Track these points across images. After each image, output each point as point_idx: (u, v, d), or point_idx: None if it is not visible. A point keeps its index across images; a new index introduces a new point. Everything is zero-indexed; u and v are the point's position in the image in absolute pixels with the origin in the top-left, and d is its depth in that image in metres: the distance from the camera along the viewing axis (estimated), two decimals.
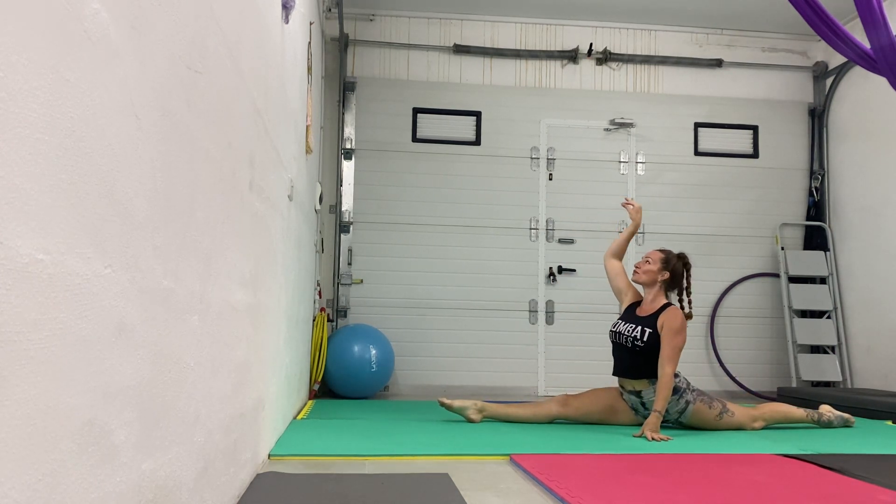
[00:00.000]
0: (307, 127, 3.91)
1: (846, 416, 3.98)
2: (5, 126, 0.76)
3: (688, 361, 5.92)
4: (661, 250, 3.99)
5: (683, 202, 6.11)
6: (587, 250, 5.96)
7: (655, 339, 3.70)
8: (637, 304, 3.99)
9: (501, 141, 6.00)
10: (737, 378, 5.97)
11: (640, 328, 3.78)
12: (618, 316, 4.03)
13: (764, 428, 3.84)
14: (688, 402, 3.72)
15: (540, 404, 3.94)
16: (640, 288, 4.04)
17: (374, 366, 5.09)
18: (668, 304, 3.85)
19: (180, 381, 1.42)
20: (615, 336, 3.91)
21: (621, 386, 3.89)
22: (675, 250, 4.09)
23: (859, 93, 5.91)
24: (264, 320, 2.54)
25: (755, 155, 6.24)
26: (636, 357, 3.76)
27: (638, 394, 3.78)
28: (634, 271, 3.96)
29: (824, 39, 3.93)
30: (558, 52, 6.13)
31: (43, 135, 0.84)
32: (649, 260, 3.93)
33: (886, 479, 2.46)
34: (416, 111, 5.97)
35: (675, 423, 3.77)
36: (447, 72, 6.05)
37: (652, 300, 3.90)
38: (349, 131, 5.88)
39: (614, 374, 3.94)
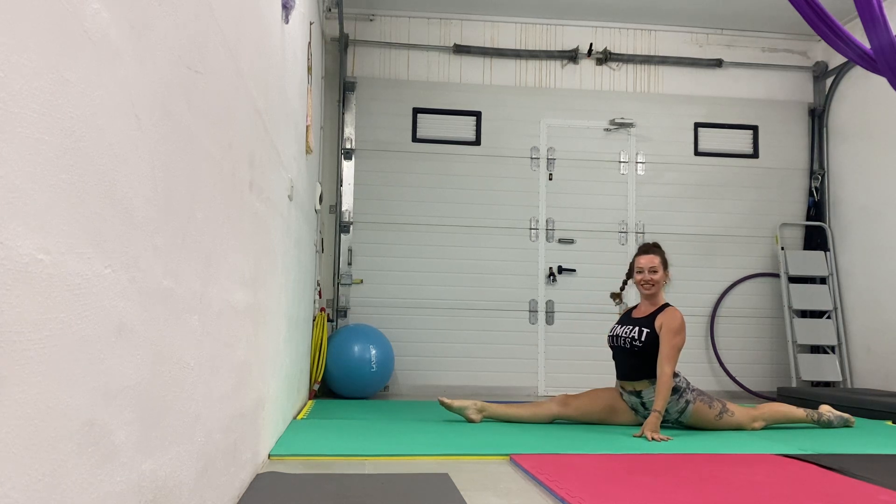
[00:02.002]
0: (307, 127, 3.91)
1: (846, 416, 3.98)
2: (5, 126, 0.76)
3: (688, 361, 5.92)
4: (654, 253, 3.84)
5: (683, 202, 6.11)
6: (587, 250, 5.96)
7: (654, 338, 3.70)
8: (629, 311, 4.01)
9: (501, 141, 6.00)
10: (737, 378, 5.97)
11: (637, 329, 3.78)
12: (615, 322, 4.04)
13: (764, 428, 3.84)
14: (688, 402, 3.72)
15: (540, 404, 3.95)
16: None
17: (374, 366, 5.09)
18: (667, 305, 3.83)
19: (180, 381, 1.42)
20: (613, 340, 3.91)
21: (621, 387, 3.89)
22: (649, 243, 4.03)
23: (859, 93, 5.91)
24: (264, 320, 2.54)
25: (755, 155, 6.24)
26: (635, 358, 3.76)
27: (638, 394, 3.78)
28: (646, 285, 3.80)
29: (824, 39, 3.93)
30: (558, 52, 6.13)
31: (43, 135, 0.84)
32: (654, 268, 3.79)
33: (887, 479, 2.46)
34: (416, 111, 5.97)
35: (675, 422, 3.78)
36: (447, 72, 6.05)
37: (651, 302, 3.87)
38: (349, 131, 5.88)
39: (617, 378, 3.94)
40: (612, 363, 3.96)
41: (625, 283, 4.07)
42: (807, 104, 6.32)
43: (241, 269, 2.05)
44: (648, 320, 3.78)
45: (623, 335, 3.83)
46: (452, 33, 6.08)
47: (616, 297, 4.12)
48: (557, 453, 2.90)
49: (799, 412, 3.95)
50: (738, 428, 3.77)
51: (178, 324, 1.40)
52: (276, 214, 2.78)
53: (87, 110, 0.96)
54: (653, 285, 3.79)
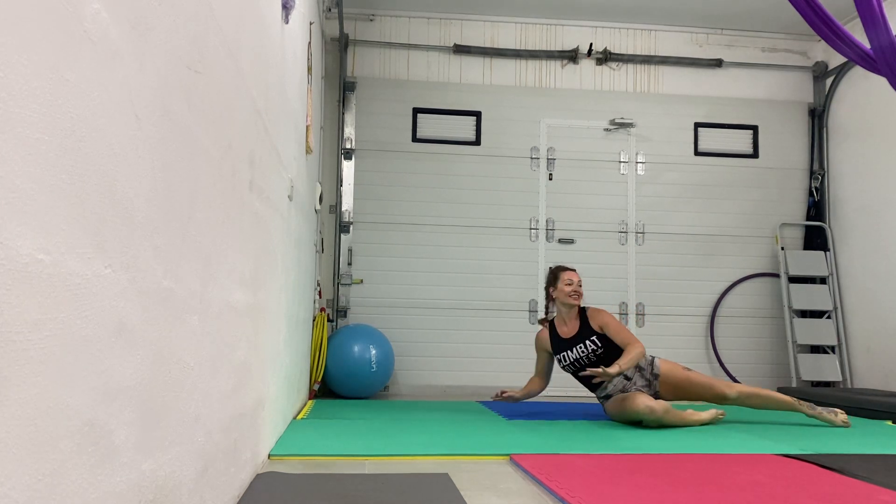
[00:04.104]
0: (307, 127, 3.91)
1: (837, 410, 3.95)
2: (5, 126, 0.76)
3: (688, 362, 5.92)
4: (573, 269, 4.16)
5: (683, 202, 6.11)
6: (587, 250, 5.96)
7: (604, 338, 3.95)
8: (554, 334, 4.11)
9: (501, 141, 6.00)
10: (737, 378, 5.97)
11: (585, 342, 3.99)
12: (556, 358, 4.14)
13: (739, 397, 3.94)
14: (654, 357, 4.01)
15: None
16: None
17: (374, 366, 5.09)
18: (584, 309, 4.08)
19: (180, 381, 1.42)
20: (575, 365, 4.03)
21: (603, 388, 3.98)
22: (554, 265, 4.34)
23: (859, 93, 5.91)
24: (264, 320, 2.54)
25: (755, 155, 6.24)
26: (602, 362, 3.94)
27: (648, 377, 3.95)
28: (574, 296, 4.05)
29: (824, 39, 3.93)
30: (558, 52, 6.13)
31: (43, 135, 0.84)
32: (580, 282, 4.11)
33: (886, 479, 2.46)
34: (416, 111, 5.97)
35: (650, 373, 3.93)
36: (447, 72, 6.05)
37: (572, 315, 4.07)
38: (349, 131, 5.88)
39: (596, 393, 4.08)
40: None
41: (547, 308, 4.23)
42: (807, 104, 6.32)
43: (240, 269, 2.05)
44: (586, 330, 4.01)
45: (581, 356, 4.00)
46: (452, 33, 6.08)
47: (545, 322, 4.26)
48: (557, 453, 2.90)
49: (786, 398, 3.98)
50: (712, 388, 3.92)
51: (178, 324, 1.40)
52: (276, 214, 2.78)
53: (87, 110, 0.96)
54: (580, 296, 4.07)
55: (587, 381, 4.03)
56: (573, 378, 4.14)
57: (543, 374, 4.23)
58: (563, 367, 4.10)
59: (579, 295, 4.06)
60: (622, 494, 2.19)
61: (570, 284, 4.05)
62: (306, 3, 3.82)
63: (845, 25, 4.35)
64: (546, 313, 4.26)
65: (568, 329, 4.06)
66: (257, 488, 2.17)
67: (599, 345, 3.96)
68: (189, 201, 1.46)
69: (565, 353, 4.03)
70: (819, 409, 3.92)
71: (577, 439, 3.31)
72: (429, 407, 4.61)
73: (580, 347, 3.99)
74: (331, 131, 5.81)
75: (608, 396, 3.97)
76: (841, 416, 3.92)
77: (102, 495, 1.03)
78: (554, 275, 4.14)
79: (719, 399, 3.96)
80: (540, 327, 4.33)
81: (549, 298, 4.17)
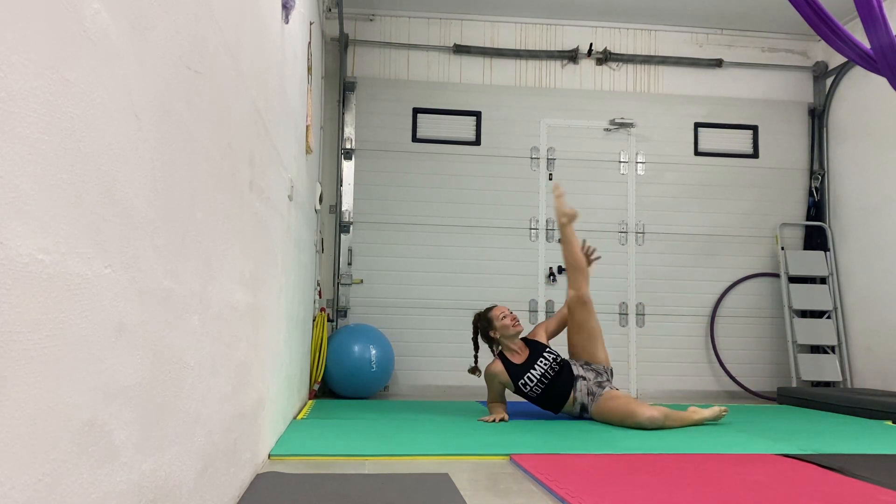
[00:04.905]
0: (307, 127, 3.91)
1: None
2: (5, 126, 0.76)
3: (688, 361, 5.95)
4: (494, 305, 4.24)
5: (683, 202, 6.11)
6: None
7: (555, 354, 4.08)
8: (510, 365, 4.06)
9: (501, 141, 6.00)
10: (737, 378, 5.97)
11: (544, 355, 4.04)
12: (517, 386, 4.05)
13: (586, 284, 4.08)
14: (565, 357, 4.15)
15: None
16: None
17: (374, 366, 5.09)
18: (525, 336, 4.18)
19: (180, 381, 1.42)
20: (542, 383, 3.98)
21: (573, 399, 3.99)
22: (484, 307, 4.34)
23: (859, 93, 5.91)
24: (264, 320, 2.54)
25: (755, 155, 6.24)
26: (565, 371, 4.00)
27: (590, 367, 4.04)
28: (515, 322, 4.07)
29: (824, 39, 3.93)
30: (558, 52, 6.13)
31: (43, 135, 0.84)
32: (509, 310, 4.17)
33: (886, 479, 2.46)
34: (416, 111, 5.97)
35: (587, 363, 4.05)
36: (447, 72, 6.05)
37: (519, 344, 4.12)
38: (349, 131, 5.88)
39: (560, 408, 4.05)
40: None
41: (476, 356, 4.21)
42: (807, 104, 6.32)
43: (241, 269, 2.05)
44: (538, 346, 4.09)
45: (544, 370, 3.99)
46: (452, 33, 6.08)
47: (476, 370, 4.22)
48: (557, 453, 2.90)
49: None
50: (576, 297, 4.04)
51: (178, 324, 1.40)
52: (276, 214, 2.78)
53: (88, 110, 0.96)
54: (518, 320, 4.10)
55: (553, 403, 4.02)
56: (534, 404, 4.11)
57: (503, 399, 4.12)
58: (529, 392, 4.00)
59: (517, 319, 4.10)
60: (622, 494, 2.19)
61: (505, 316, 4.07)
62: (306, 3, 3.82)
63: (845, 25, 4.35)
64: (475, 362, 4.20)
65: (521, 355, 4.07)
66: (257, 488, 2.17)
67: (555, 354, 4.07)
68: (189, 201, 1.46)
69: (529, 375, 3.98)
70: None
71: (577, 439, 3.31)
72: (429, 407, 4.61)
73: (541, 362, 4.00)
74: (331, 131, 5.81)
75: (584, 407, 3.97)
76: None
77: (103, 495, 1.03)
78: (486, 320, 4.12)
79: (578, 293, 4.03)
80: (471, 369, 4.24)
81: (492, 341, 4.14)
